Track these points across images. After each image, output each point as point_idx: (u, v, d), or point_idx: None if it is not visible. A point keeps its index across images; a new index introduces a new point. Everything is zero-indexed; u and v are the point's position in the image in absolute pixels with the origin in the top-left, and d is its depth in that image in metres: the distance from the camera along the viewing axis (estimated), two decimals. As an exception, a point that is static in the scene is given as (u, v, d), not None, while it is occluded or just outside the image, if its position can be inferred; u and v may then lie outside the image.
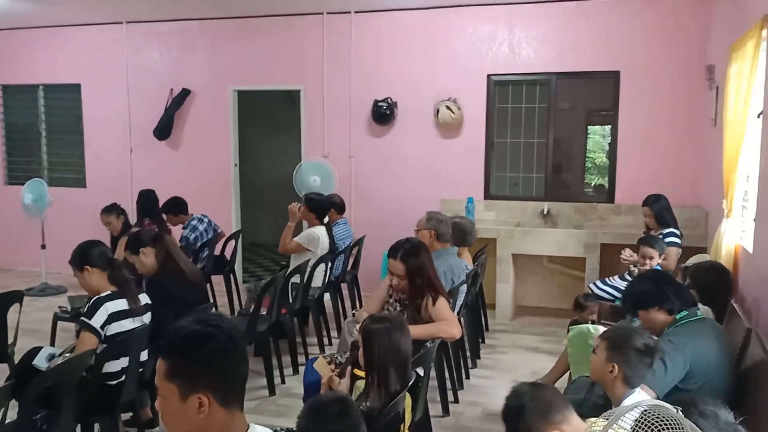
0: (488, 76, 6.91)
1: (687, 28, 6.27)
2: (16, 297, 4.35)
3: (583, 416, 2.56)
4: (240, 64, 7.66)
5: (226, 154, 7.81)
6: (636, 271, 4.64)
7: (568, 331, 4.72)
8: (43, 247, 7.62)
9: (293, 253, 5.71)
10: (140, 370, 3.65)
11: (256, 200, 9.37)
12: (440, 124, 6.97)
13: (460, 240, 4.99)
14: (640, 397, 2.51)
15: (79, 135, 8.36)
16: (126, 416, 3.89)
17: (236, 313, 6.11)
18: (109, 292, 3.52)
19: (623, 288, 5.00)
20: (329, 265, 5.70)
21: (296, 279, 5.20)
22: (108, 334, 3.44)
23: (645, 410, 1.55)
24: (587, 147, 7.11)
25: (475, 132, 6.98)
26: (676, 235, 5.16)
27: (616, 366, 2.53)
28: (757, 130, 4.08)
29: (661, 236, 5.09)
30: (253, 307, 4.80)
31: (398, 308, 3.80)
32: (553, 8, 6.65)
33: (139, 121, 8.03)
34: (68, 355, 3.48)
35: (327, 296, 5.96)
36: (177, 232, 6.47)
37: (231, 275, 6.80)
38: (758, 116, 4.04)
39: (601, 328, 3.65)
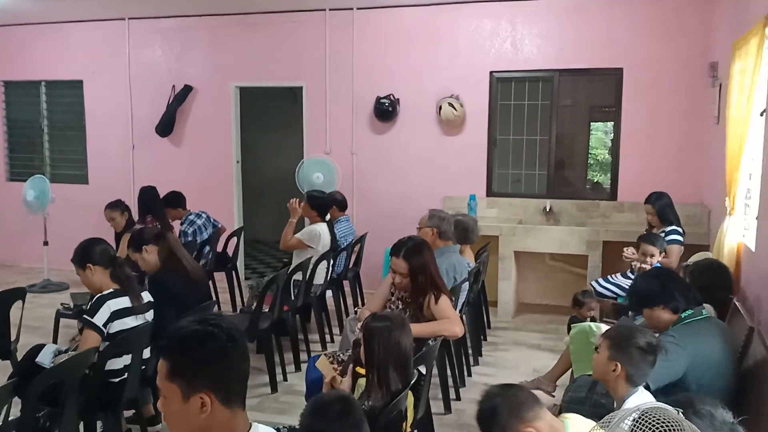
0: (491, 72, 6.90)
1: (690, 26, 6.25)
2: (19, 294, 4.35)
3: (585, 415, 2.57)
4: (242, 60, 7.65)
5: (228, 151, 7.81)
6: (639, 266, 4.61)
7: (568, 328, 4.73)
8: (46, 243, 7.62)
9: (294, 250, 5.72)
10: (143, 367, 3.66)
11: (258, 197, 9.38)
12: (442, 120, 6.97)
13: (462, 238, 4.99)
14: (642, 396, 2.51)
15: (81, 131, 8.36)
16: (128, 413, 3.90)
17: (238, 311, 6.12)
18: (111, 290, 3.52)
19: (625, 286, 5.01)
20: (331, 262, 5.70)
21: (298, 276, 5.20)
22: (111, 331, 3.44)
23: (644, 411, 1.55)
24: (590, 144, 7.10)
25: (478, 129, 6.97)
26: (678, 233, 5.16)
27: (618, 365, 2.52)
28: (759, 127, 4.07)
29: (663, 234, 5.09)
30: (255, 304, 4.80)
31: (400, 306, 3.80)
32: (556, 5, 6.64)
33: (141, 117, 8.03)
34: (73, 352, 3.49)
35: (329, 293, 5.96)
36: (177, 229, 6.47)
37: (233, 272, 6.80)
38: (761, 114, 4.04)
39: (603, 326, 3.65)
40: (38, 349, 3.63)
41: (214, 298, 5.48)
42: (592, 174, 7.23)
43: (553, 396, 4.37)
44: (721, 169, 4.69)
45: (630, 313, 4.13)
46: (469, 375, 4.98)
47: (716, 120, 5.54)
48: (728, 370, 3.00)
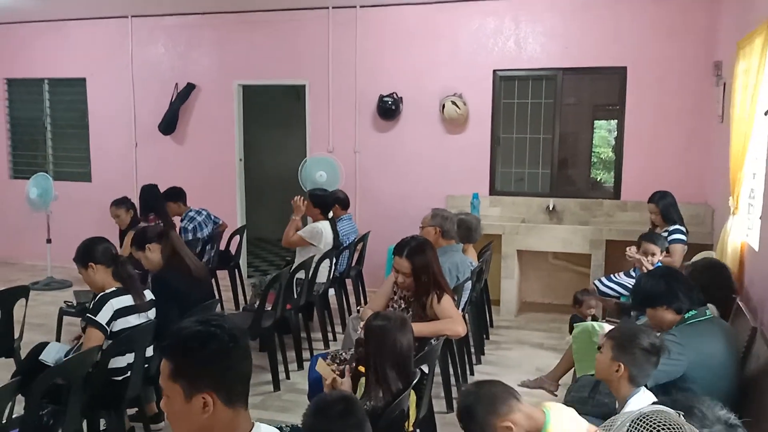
0: (494, 71, 6.89)
1: (694, 24, 6.24)
2: (22, 292, 4.37)
3: (588, 415, 2.57)
4: (245, 58, 7.65)
5: (230, 149, 7.81)
6: (642, 261, 4.58)
7: (570, 327, 4.73)
8: (49, 241, 7.64)
9: (296, 248, 5.72)
10: (146, 365, 3.67)
11: (261, 195, 9.39)
12: (446, 119, 6.96)
13: (465, 237, 4.99)
14: (644, 396, 2.51)
15: (84, 129, 8.37)
16: (131, 411, 3.91)
17: (241, 309, 6.12)
18: (113, 288, 3.53)
19: (628, 285, 5.00)
20: (334, 260, 5.70)
21: (301, 275, 5.20)
22: (114, 330, 3.46)
23: (645, 415, 1.55)
24: (593, 142, 7.09)
25: (481, 127, 6.96)
26: (681, 232, 5.15)
27: (621, 365, 2.52)
28: (764, 127, 4.07)
29: (666, 233, 5.09)
30: (258, 302, 4.81)
31: (403, 305, 3.80)
32: (560, 3, 6.62)
33: (144, 115, 8.04)
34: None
35: (332, 292, 5.97)
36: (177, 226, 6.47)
37: (236, 270, 6.81)
38: (765, 114, 4.03)
39: (606, 326, 3.65)
40: (41, 347, 3.64)
41: (217, 297, 5.48)
42: (596, 173, 7.22)
43: (556, 395, 4.37)
44: (725, 168, 4.68)
45: (633, 312, 4.12)
46: (472, 374, 4.98)
47: (720, 119, 5.53)
48: (731, 371, 2.99)
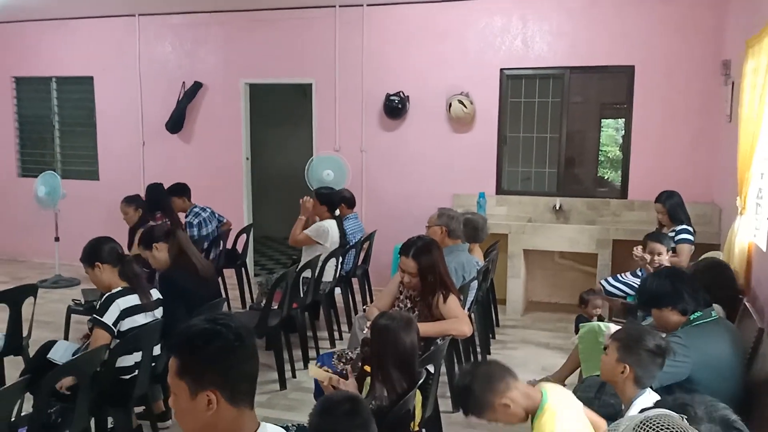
0: (501, 70, 6.88)
1: (702, 23, 6.21)
2: (31, 290, 4.39)
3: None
4: (252, 57, 7.66)
5: (237, 148, 7.83)
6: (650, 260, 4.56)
7: (575, 327, 4.73)
8: (57, 239, 7.67)
9: (303, 246, 5.74)
10: (153, 364, 3.69)
11: (267, 193, 9.40)
12: (452, 118, 6.96)
13: (472, 236, 4.99)
14: (650, 398, 2.51)
15: (91, 128, 8.40)
16: (139, 409, 3.93)
17: (248, 308, 6.14)
18: (120, 288, 3.55)
19: (635, 285, 4.99)
20: (340, 259, 5.71)
21: (307, 273, 5.22)
22: (121, 329, 3.48)
23: (649, 419, 1.55)
24: (600, 141, 7.07)
25: (488, 126, 6.95)
26: (688, 232, 5.13)
27: (627, 366, 2.52)
28: (772, 127, 4.04)
29: (673, 233, 5.07)
30: (264, 301, 4.82)
31: (409, 305, 3.80)
32: (568, 2, 6.61)
33: (151, 114, 8.06)
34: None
35: (338, 291, 5.98)
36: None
37: (242, 269, 6.83)
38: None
39: (612, 326, 3.64)
40: (50, 345, 3.66)
41: (224, 295, 5.50)
42: (603, 172, 7.20)
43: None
44: (733, 168, 4.66)
45: (640, 313, 4.11)
46: (478, 373, 4.97)
47: (728, 118, 5.51)
48: (737, 372, 2.98)
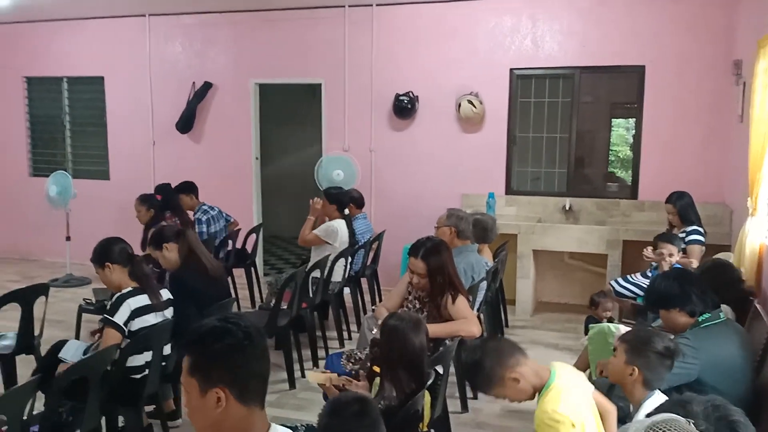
0: (511, 69, 6.86)
1: (714, 23, 6.18)
2: (42, 290, 4.43)
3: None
4: (261, 57, 7.68)
5: (247, 148, 7.85)
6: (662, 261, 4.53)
7: (585, 328, 4.71)
8: (68, 238, 7.72)
9: (312, 246, 5.75)
10: (163, 363, 3.71)
11: (277, 193, 9.42)
12: (461, 118, 6.95)
13: (481, 237, 4.99)
14: (659, 400, 2.50)
15: (102, 127, 8.44)
16: (149, 408, 3.95)
17: (257, 307, 6.16)
18: (130, 288, 3.57)
19: (645, 285, 4.97)
20: (349, 259, 5.72)
21: (317, 273, 5.23)
22: (132, 329, 3.50)
23: (656, 423, 1.54)
24: (611, 141, 7.04)
25: (497, 126, 6.94)
26: (699, 233, 5.11)
27: (635, 369, 2.51)
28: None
29: (684, 234, 5.05)
30: (274, 301, 4.84)
31: (418, 306, 3.81)
32: (578, 1, 6.59)
33: (161, 114, 8.09)
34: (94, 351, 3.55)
35: (347, 291, 5.99)
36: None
37: (252, 268, 6.85)
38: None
39: (623, 327, 3.63)
40: (61, 344, 3.69)
41: (234, 295, 5.52)
42: (613, 171, 7.17)
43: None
44: (744, 168, 4.64)
45: (650, 315, 4.10)
46: (487, 374, 4.97)
47: (740, 119, 5.47)
48: (746, 374, 2.96)
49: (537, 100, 6.92)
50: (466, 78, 6.94)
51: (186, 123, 7.95)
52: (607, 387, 3.17)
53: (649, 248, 4.85)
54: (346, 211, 5.89)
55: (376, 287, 6.55)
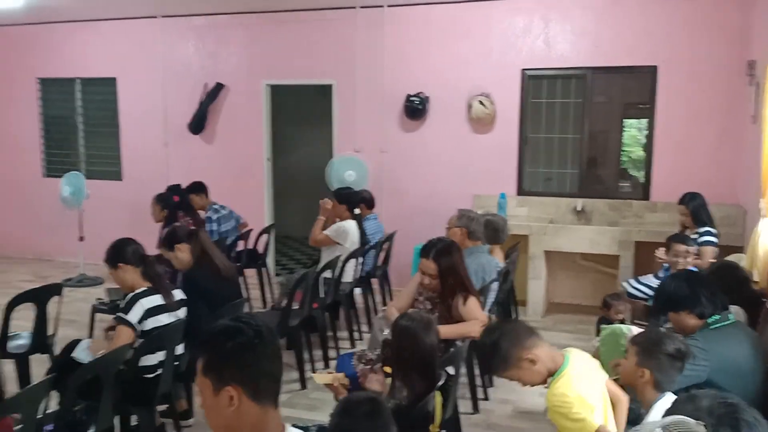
0: (522, 70, 6.85)
1: (728, 23, 6.14)
2: (56, 289, 4.47)
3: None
4: (273, 58, 7.71)
5: (258, 148, 7.87)
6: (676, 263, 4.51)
7: (597, 330, 4.69)
8: (81, 239, 7.77)
9: (323, 246, 5.76)
10: (176, 363, 3.73)
11: (289, 193, 9.44)
12: (473, 118, 6.94)
13: (492, 238, 4.98)
14: (670, 402, 2.49)
15: (115, 128, 8.49)
16: (162, 408, 3.97)
17: (269, 307, 6.18)
18: (144, 288, 3.60)
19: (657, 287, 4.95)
20: (360, 260, 5.73)
21: (328, 274, 5.24)
22: (145, 329, 3.53)
23: (666, 425, 1.54)
24: (623, 142, 7.01)
25: (508, 127, 6.93)
26: (712, 234, 5.08)
27: (646, 371, 2.51)
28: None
29: (697, 235, 5.02)
30: (285, 301, 4.86)
31: (429, 307, 3.81)
32: (591, 1, 6.56)
33: (173, 114, 8.13)
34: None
35: (358, 291, 6.00)
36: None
37: (263, 269, 6.87)
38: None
39: (635, 329, 3.62)
40: (75, 343, 3.72)
41: (245, 295, 5.55)
42: (625, 172, 7.12)
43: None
44: (757, 169, 4.61)
45: (662, 317, 4.07)
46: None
47: (753, 119, 5.44)
48: (757, 377, 2.94)
49: (549, 101, 6.90)
50: (477, 79, 6.93)
51: (198, 124, 7.99)
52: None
53: (662, 249, 4.83)
54: (357, 211, 5.90)
55: (387, 288, 6.56)
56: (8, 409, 2.41)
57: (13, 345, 4.19)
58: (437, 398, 2.93)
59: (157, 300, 3.59)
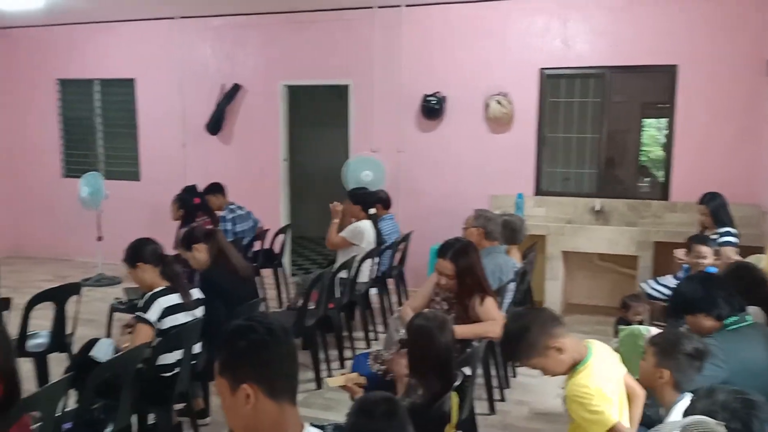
0: (541, 69, 6.81)
1: (748, 22, 6.06)
2: (74, 289, 4.51)
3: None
4: (290, 58, 7.72)
5: (275, 149, 7.90)
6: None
7: (615, 330, 4.65)
8: (99, 239, 7.83)
9: (341, 249, 5.76)
10: (193, 362, 3.74)
11: (305, 194, 9.47)
12: (490, 118, 6.91)
13: (510, 238, 4.95)
14: (689, 403, 2.46)
15: (133, 129, 8.55)
16: (179, 407, 3.99)
17: (286, 307, 6.19)
18: (162, 287, 3.62)
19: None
20: (376, 260, 5.72)
21: (343, 274, 5.24)
22: (163, 327, 3.54)
23: (686, 425, 1.53)
24: (642, 141, 6.95)
25: (526, 126, 6.89)
26: (732, 235, 5.02)
27: (666, 371, 2.48)
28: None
29: (717, 235, 4.97)
30: (301, 301, 4.86)
31: (445, 307, 3.79)
32: (609, 0, 6.51)
33: (191, 115, 8.17)
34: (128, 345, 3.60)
35: (374, 291, 6.00)
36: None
37: (280, 269, 6.89)
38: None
39: (653, 329, 3.58)
40: (93, 342, 3.75)
41: (262, 295, 5.56)
42: (644, 172, 7.06)
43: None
44: (779, 169, 4.55)
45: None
46: (514, 376, 4.95)
47: (774, 118, 5.37)
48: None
49: (567, 100, 6.86)
50: (494, 78, 6.90)
51: (215, 125, 8.02)
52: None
53: (681, 250, 4.78)
54: (372, 211, 5.90)
55: (402, 288, 6.55)
56: (27, 407, 2.43)
57: (32, 344, 4.23)
58: (454, 399, 2.91)
59: (175, 299, 3.61)
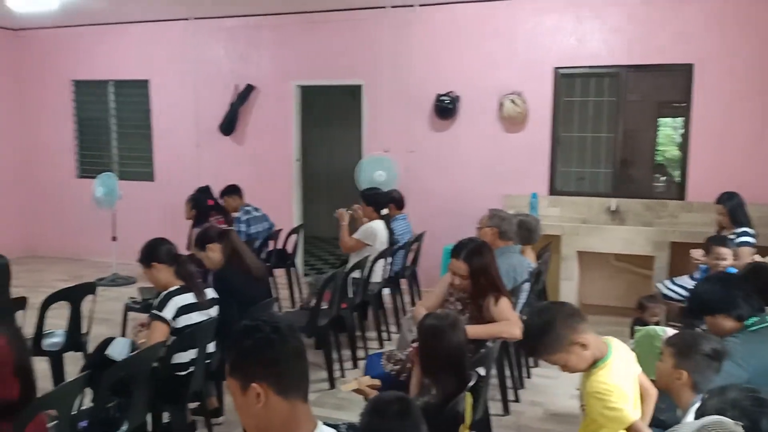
0: (555, 68, 6.77)
1: (764, 19, 6.00)
2: (89, 288, 4.53)
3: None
4: (302, 59, 7.73)
5: (288, 149, 7.90)
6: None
7: (631, 331, 4.62)
8: (114, 239, 7.88)
9: (355, 251, 5.74)
10: (207, 361, 3.75)
11: (318, 194, 9.48)
12: (504, 117, 6.88)
13: (525, 238, 4.92)
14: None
15: (147, 130, 8.59)
16: (193, 405, 4.00)
17: (299, 307, 6.19)
18: (177, 286, 3.63)
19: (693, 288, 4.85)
20: (389, 260, 5.71)
21: (356, 274, 5.24)
22: (177, 326, 3.56)
23: (704, 426, 1.51)
24: (657, 141, 6.89)
25: (540, 126, 6.86)
26: (749, 235, 4.98)
27: (684, 372, 2.45)
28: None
29: (734, 236, 4.92)
30: (314, 301, 4.86)
31: (459, 307, 3.77)
32: (623, -2, 6.48)
33: (204, 116, 8.20)
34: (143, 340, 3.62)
35: (386, 291, 5.98)
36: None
37: (292, 269, 6.89)
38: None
39: (670, 330, 3.55)
40: (108, 341, 3.77)
41: (275, 295, 5.57)
42: (660, 171, 7.00)
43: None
44: (797, 168, 4.49)
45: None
46: (528, 377, 4.92)
47: (792, 117, 5.31)
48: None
49: (582, 99, 6.81)
50: (508, 77, 6.87)
51: (229, 125, 8.05)
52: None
53: (698, 250, 4.73)
54: (384, 211, 5.89)
55: (415, 288, 6.53)
56: (43, 405, 2.44)
57: (47, 343, 4.26)
58: (468, 399, 2.90)
59: (189, 298, 3.62)
